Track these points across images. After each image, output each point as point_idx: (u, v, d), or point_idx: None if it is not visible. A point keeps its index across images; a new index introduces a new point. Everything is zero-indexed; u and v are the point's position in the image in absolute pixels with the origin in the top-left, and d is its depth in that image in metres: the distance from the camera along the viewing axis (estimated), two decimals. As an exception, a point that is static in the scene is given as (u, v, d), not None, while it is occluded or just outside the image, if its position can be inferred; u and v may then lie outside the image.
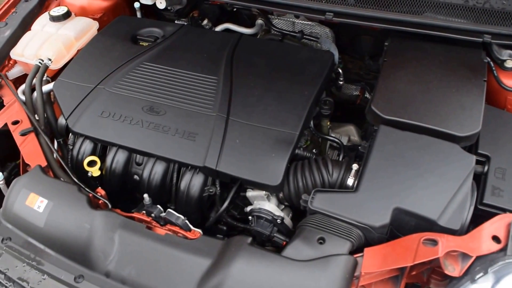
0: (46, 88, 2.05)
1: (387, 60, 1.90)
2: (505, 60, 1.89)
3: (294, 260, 1.40)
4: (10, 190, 1.67)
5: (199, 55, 2.07)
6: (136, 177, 1.81)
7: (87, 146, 1.84)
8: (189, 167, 1.73)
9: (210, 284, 1.38)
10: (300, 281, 1.36)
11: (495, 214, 1.45)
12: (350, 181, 1.65)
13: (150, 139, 1.76)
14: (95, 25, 2.36)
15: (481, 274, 1.32)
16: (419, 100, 1.72)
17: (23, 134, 1.86)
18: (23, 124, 1.91)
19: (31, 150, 1.82)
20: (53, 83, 2.04)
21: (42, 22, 2.35)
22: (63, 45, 2.19)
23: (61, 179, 1.73)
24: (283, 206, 1.79)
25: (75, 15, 2.40)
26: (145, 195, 1.62)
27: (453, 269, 1.35)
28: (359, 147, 1.77)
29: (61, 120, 1.93)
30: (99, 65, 2.05)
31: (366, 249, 1.43)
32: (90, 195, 1.65)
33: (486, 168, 1.62)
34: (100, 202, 1.67)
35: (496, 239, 1.36)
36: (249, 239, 1.48)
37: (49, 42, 2.20)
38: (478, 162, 1.60)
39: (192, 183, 1.72)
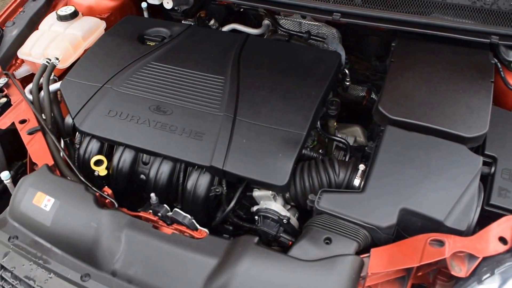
0: (53, 87, 2.06)
1: (394, 60, 1.90)
2: (512, 61, 1.89)
3: (301, 260, 1.40)
4: (17, 188, 1.68)
5: (206, 55, 2.08)
6: (142, 176, 1.81)
7: (94, 145, 1.84)
8: (196, 166, 1.73)
9: (217, 283, 1.38)
10: (307, 281, 1.36)
11: (502, 215, 1.45)
12: (356, 182, 1.65)
13: (157, 138, 1.76)
14: (102, 24, 2.37)
15: (487, 275, 1.32)
16: (426, 101, 1.71)
17: (30, 133, 1.86)
18: (30, 123, 1.91)
19: (38, 149, 1.83)
20: (60, 82, 2.05)
21: (49, 21, 2.36)
22: (70, 44, 2.20)
23: (68, 178, 1.74)
24: (289, 206, 1.79)
25: (82, 15, 2.41)
26: (152, 194, 1.62)
27: (460, 270, 1.35)
28: (366, 148, 1.77)
29: (68, 119, 1.94)
30: (106, 65, 2.06)
31: (372, 250, 1.43)
32: (97, 194, 1.65)
33: (493, 169, 1.61)
34: (106, 201, 1.68)
35: (503, 240, 1.36)
36: (256, 239, 1.48)
37: (57, 42, 2.21)
38: (485, 163, 1.59)
39: (199, 182, 1.72)
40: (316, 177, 1.68)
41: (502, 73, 1.88)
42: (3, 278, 1.57)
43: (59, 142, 1.86)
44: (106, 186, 1.74)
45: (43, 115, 1.94)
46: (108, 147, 1.86)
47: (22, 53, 2.24)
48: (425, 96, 1.73)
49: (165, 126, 1.78)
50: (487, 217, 1.48)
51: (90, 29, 2.31)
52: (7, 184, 1.80)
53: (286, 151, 1.66)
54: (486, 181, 1.60)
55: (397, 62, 1.89)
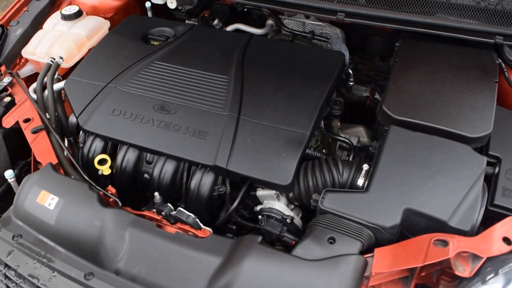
0: (57, 86, 2.06)
1: (398, 60, 1.90)
2: (516, 62, 1.89)
3: (304, 259, 1.40)
4: (21, 187, 1.68)
5: (210, 55, 2.08)
6: (146, 175, 1.81)
7: (98, 144, 1.85)
8: (200, 166, 1.73)
9: (221, 282, 1.38)
10: (310, 281, 1.36)
11: (505, 216, 1.45)
12: (360, 182, 1.65)
13: (160, 137, 1.76)
14: (107, 24, 2.38)
15: (491, 275, 1.32)
16: (430, 101, 1.71)
17: (34, 132, 1.87)
18: (34, 122, 1.92)
19: (42, 148, 1.83)
20: (64, 81, 2.05)
21: (53, 21, 2.36)
22: (74, 43, 2.21)
23: (72, 177, 1.74)
24: (293, 206, 1.79)
25: (86, 14, 2.41)
26: (156, 193, 1.62)
27: (464, 270, 1.35)
28: (370, 148, 1.76)
29: (72, 118, 1.94)
30: (110, 64, 2.06)
31: (376, 249, 1.42)
32: (101, 193, 1.65)
33: (497, 169, 1.61)
34: (110, 200, 1.68)
35: (506, 240, 1.36)
36: (259, 238, 1.48)
37: (61, 41, 2.21)
38: (489, 164, 1.59)
39: (202, 182, 1.72)
40: (319, 177, 1.68)
41: (506, 73, 1.88)
42: (7, 277, 1.57)
43: (63, 141, 1.87)
44: (110, 185, 1.74)
45: (47, 114, 1.95)
46: (112, 146, 1.86)
47: (26, 52, 2.24)
48: (429, 96, 1.73)
49: (169, 125, 1.78)
50: (491, 218, 1.48)
51: (94, 29, 2.31)
52: (11, 183, 1.81)
53: (290, 150, 1.66)
54: (490, 181, 1.59)
55: (401, 62, 1.89)
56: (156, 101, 1.87)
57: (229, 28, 2.47)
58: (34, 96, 2.04)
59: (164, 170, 1.76)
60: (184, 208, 1.62)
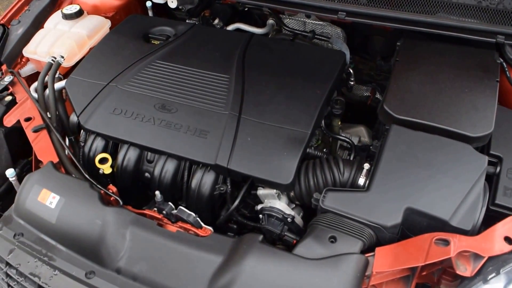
0: (58, 85, 2.06)
1: (400, 60, 1.90)
2: (518, 61, 1.88)
3: (306, 258, 1.40)
4: (22, 186, 1.68)
5: (211, 54, 2.08)
6: (147, 174, 1.81)
7: (99, 143, 1.85)
8: (201, 165, 1.73)
9: (222, 281, 1.38)
10: (312, 280, 1.36)
11: (507, 215, 1.45)
12: (361, 181, 1.64)
13: (161, 136, 1.76)
14: (107, 23, 2.38)
15: (493, 274, 1.32)
16: (432, 100, 1.71)
17: (35, 131, 1.87)
18: (35, 121, 1.92)
19: (43, 146, 1.83)
20: (65, 80, 2.05)
21: (54, 20, 2.36)
22: (75, 43, 2.21)
23: (73, 175, 1.74)
24: (294, 205, 1.78)
25: (87, 14, 2.41)
26: (157, 192, 1.62)
27: (465, 269, 1.35)
28: (371, 147, 1.76)
29: (73, 117, 1.94)
30: (111, 63, 2.06)
31: (377, 249, 1.42)
32: (102, 191, 1.65)
33: (498, 168, 1.61)
34: (111, 198, 1.68)
35: (508, 240, 1.36)
36: (260, 237, 1.48)
37: (62, 40, 2.21)
38: (490, 163, 1.59)
39: (203, 181, 1.72)
40: (320, 176, 1.68)
41: (507, 72, 1.88)
42: (8, 275, 1.58)
43: (64, 140, 1.87)
44: (111, 184, 1.74)
45: (48, 113, 1.95)
46: (112, 145, 1.86)
47: (27, 51, 2.25)
48: (430, 95, 1.73)
49: (170, 124, 1.78)
50: (492, 217, 1.48)
51: (95, 28, 2.31)
52: (13, 182, 1.81)
53: (291, 149, 1.66)
54: (492, 180, 1.59)
55: (402, 61, 1.89)
56: (157, 100, 1.87)
57: (230, 27, 2.47)
58: (35, 95, 2.04)
59: (165, 169, 1.76)
60: (185, 207, 1.62)
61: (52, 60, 2.12)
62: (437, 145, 1.59)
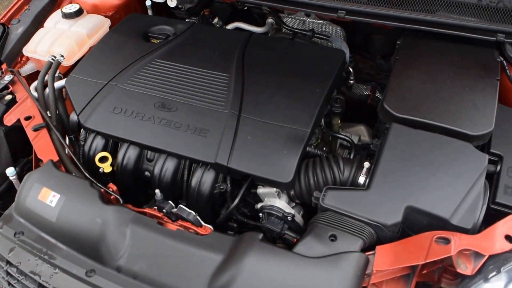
0: (58, 84, 2.06)
1: (399, 58, 1.90)
2: (518, 59, 1.88)
3: (306, 256, 1.40)
4: (23, 184, 1.68)
5: (211, 53, 2.08)
6: (147, 173, 1.81)
7: (99, 142, 1.85)
8: (200, 163, 1.73)
9: (222, 279, 1.38)
10: (312, 278, 1.36)
11: (507, 214, 1.44)
12: (361, 179, 1.64)
13: (161, 135, 1.76)
14: (107, 22, 2.38)
15: (494, 273, 1.32)
16: (432, 99, 1.71)
17: (35, 130, 1.87)
18: (35, 120, 1.92)
19: (43, 145, 1.83)
20: (65, 79, 2.05)
21: (54, 19, 2.36)
22: (75, 42, 2.21)
23: (73, 174, 1.74)
24: (294, 204, 1.78)
25: (87, 13, 2.41)
26: (157, 191, 1.62)
27: (466, 268, 1.35)
28: (371, 145, 1.76)
29: (73, 116, 1.94)
30: (111, 62, 2.06)
31: (378, 247, 1.42)
32: (102, 190, 1.66)
33: (498, 167, 1.61)
34: (111, 197, 1.68)
35: (509, 238, 1.36)
36: (261, 235, 1.48)
37: (62, 39, 2.21)
38: (490, 162, 1.59)
39: (203, 179, 1.72)
40: (320, 174, 1.68)
41: (508, 71, 1.88)
42: (8, 273, 1.58)
43: (64, 139, 1.87)
44: (111, 183, 1.74)
45: (48, 112, 1.95)
46: (112, 144, 1.86)
47: (27, 50, 2.24)
48: (431, 94, 1.73)
49: (170, 123, 1.78)
50: (493, 216, 1.47)
51: (95, 27, 2.31)
52: (13, 180, 1.81)
53: (290, 148, 1.66)
54: (492, 179, 1.59)
55: (402, 60, 1.89)
56: (157, 99, 1.86)
57: (229, 26, 2.47)
58: (35, 94, 2.04)
59: (165, 167, 1.76)
60: (185, 206, 1.62)
61: (52, 59, 2.12)
62: (437, 143, 1.59)
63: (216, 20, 2.57)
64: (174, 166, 1.76)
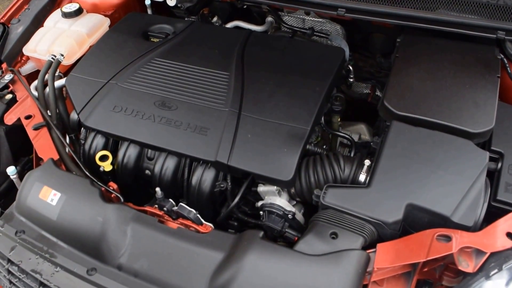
0: (58, 83, 2.06)
1: (399, 56, 1.90)
2: (518, 57, 1.88)
3: (307, 254, 1.40)
4: (24, 183, 1.68)
5: (210, 51, 2.08)
6: (147, 172, 1.81)
7: (99, 140, 1.85)
8: (201, 162, 1.73)
9: (223, 277, 1.38)
10: (313, 276, 1.35)
11: (509, 211, 1.44)
12: (362, 177, 1.64)
13: (161, 134, 1.76)
14: (107, 21, 2.38)
15: (495, 270, 1.31)
16: (432, 96, 1.71)
17: (36, 129, 1.87)
18: (36, 119, 1.93)
19: (44, 144, 1.83)
20: (65, 78, 2.05)
21: (54, 18, 2.37)
22: (75, 41, 2.21)
23: (74, 173, 1.74)
24: (294, 202, 1.78)
25: (86, 12, 2.41)
26: (157, 189, 1.62)
27: (467, 265, 1.34)
28: (371, 143, 1.76)
29: (73, 115, 1.94)
30: (111, 61, 2.06)
31: (379, 245, 1.42)
32: (103, 188, 1.66)
33: (499, 164, 1.60)
34: (112, 195, 1.68)
35: (510, 235, 1.35)
36: (261, 233, 1.47)
37: (62, 38, 2.21)
38: (491, 159, 1.59)
39: (204, 178, 1.71)
40: (321, 172, 1.68)
41: (508, 68, 1.88)
42: (10, 272, 1.58)
43: (65, 138, 1.87)
44: (111, 181, 1.74)
45: (48, 111, 1.95)
46: (113, 143, 1.86)
47: (27, 50, 2.25)
48: (431, 91, 1.73)
49: (170, 121, 1.78)
50: (494, 213, 1.47)
51: (94, 26, 2.31)
52: (14, 179, 1.82)
53: (291, 146, 1.66)
54: (493, 177, 1.59)
55: (402, 57, 1.89)
56: (157, 98, 1.86)
57: (229, 25, 2.47)
58: (36, 93, 2.04)
59: (165, 166, 1.76)
60: (186, 204, 1.62)
61: (52, 58, 2.12)
62: (438, 141, 1.59)
63: (215, 19, 2.57)
64: (174, 165, 1.76)
